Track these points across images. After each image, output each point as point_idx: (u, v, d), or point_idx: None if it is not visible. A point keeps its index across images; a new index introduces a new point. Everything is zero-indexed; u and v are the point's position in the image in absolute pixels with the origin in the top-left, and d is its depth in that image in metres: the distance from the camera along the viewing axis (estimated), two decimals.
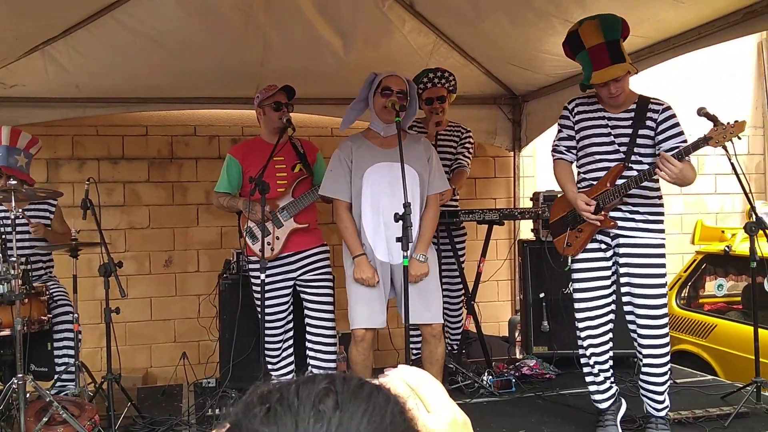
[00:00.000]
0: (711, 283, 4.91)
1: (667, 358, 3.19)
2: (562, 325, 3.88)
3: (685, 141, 3.12)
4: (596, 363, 3.28)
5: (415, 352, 4.15)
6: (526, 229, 5.42)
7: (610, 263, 3.28)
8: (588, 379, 3.35)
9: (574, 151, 3.32)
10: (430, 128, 4.39)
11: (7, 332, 3.51)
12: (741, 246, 4.00)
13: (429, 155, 3.55)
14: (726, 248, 4.08)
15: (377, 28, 4.39)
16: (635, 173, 3.12)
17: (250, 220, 3.77)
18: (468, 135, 4.56)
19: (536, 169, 5.90)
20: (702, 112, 3.33)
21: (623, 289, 3.25)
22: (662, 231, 3.24)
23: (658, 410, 3.21)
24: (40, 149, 4.11)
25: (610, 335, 3.30)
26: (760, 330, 3.57)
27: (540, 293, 4.46)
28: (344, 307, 3.62)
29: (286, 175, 3.84)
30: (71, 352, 3.92)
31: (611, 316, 3.29)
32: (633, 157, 3.16)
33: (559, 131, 3.38)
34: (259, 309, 3.77)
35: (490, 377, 4.01)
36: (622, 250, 3.22)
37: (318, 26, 4.27)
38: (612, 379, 3.33)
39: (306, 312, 3.89)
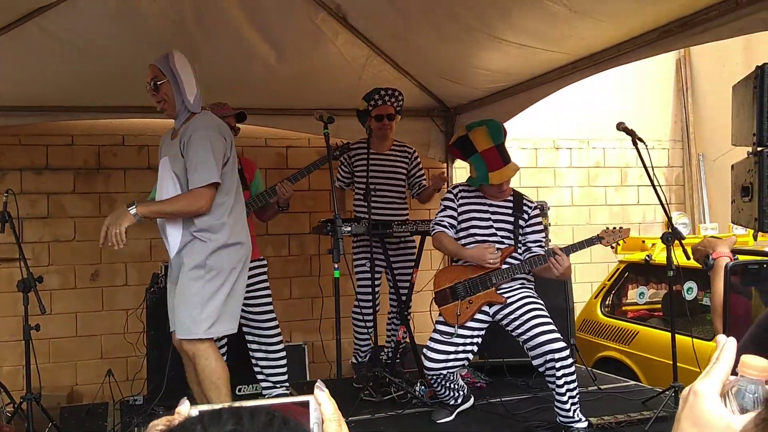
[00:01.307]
0: (633, 291, 5.09)
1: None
2: (493, 334, 3.94)
3: (545, 237, 3.81)
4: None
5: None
6: None
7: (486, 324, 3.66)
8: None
9: (455, 230, 3.66)
10: (375, 146, 4.47)
11: None
12: (660, 255, 4.17)
13: (183, 143, 3.18)
14: (647, 257, 4.25)
15: (310, 40, 4.39)
16: (519, 257, 3.60)
17: None
18: (416, 155, 4.74)
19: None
20: (621, 127, 3.50)
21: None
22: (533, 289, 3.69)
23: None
24: None
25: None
26: (677, 336, 3.73)
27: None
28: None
29: None
30: None
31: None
32: (519, 246, 3.61)
33: (442, 210, 3.71)
34: None
35: (423, 387, 4.05)
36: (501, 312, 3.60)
37: (249, 36, 4.24)
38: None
39: (248, 328, 3.85)
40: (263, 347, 3.89)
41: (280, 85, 4.80)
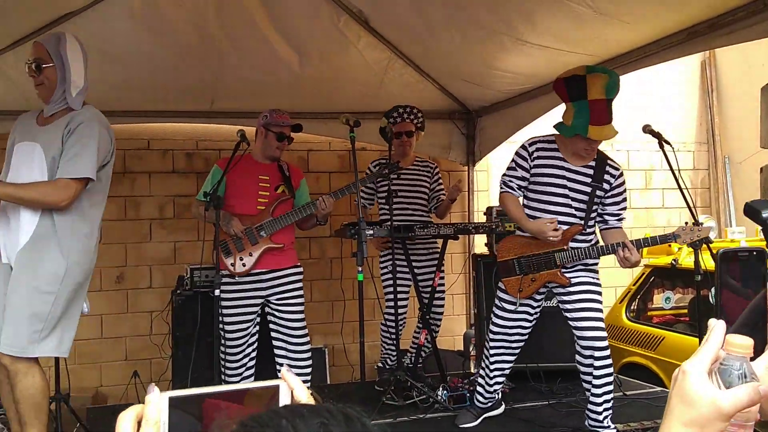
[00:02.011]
0: (659, 296, 5.03)
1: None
2: None
3: (625, 208, 3.46)
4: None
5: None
6: (480, 243, 5.48)
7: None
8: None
9: (523, 191, 3.44)
10: (397, 160, 4.48)
11: None
12: (687, 259, 4.12)
13: (66, 131, 2.88)
14: (673, 261, 4.20)
15: (332, 44, 4.41)
16: (591, 237, 3.38)
17: (226, 234, 3.73)
18: (438, 170, 4.71)
19: (490, 183, 5.99)
20: (647, 130, 3.46)
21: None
22: (597, 271, 3.49)
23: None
24: None
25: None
26: None
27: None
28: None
29: (268, 194, 3.88)
30: None
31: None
32: (590, 222, 3.37)
33: (513, 168, 3.43)
34: (223, 324, 3.72)
35: (445, 392, 4.03)
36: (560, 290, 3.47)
37: (273, 40, 4.27)
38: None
39: (278, 333, 3.86)
40: (290, 353, 3.87)
41: (303, 88, 4.82)
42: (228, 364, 3.83)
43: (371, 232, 4.02)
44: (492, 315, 3.63)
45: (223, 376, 3.81)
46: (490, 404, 3.76)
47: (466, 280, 5.77)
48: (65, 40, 2.93)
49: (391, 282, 4.27)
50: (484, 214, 5.00)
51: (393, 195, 4.10)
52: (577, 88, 3.22)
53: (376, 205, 4.66)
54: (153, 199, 5.30)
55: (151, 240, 5.31)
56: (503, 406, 3.86)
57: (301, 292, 3.89)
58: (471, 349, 4.97)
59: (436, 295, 4.48)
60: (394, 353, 4.57)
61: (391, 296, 4.28)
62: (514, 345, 3.58)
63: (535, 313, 3.56)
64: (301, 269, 3.95)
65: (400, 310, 4.22)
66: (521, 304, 3.48)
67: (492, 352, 3.61)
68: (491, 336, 3.60)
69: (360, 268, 3.36)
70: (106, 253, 5.15)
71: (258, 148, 3.95)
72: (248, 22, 4.05)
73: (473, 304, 5.17)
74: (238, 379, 3.87)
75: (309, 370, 3.93)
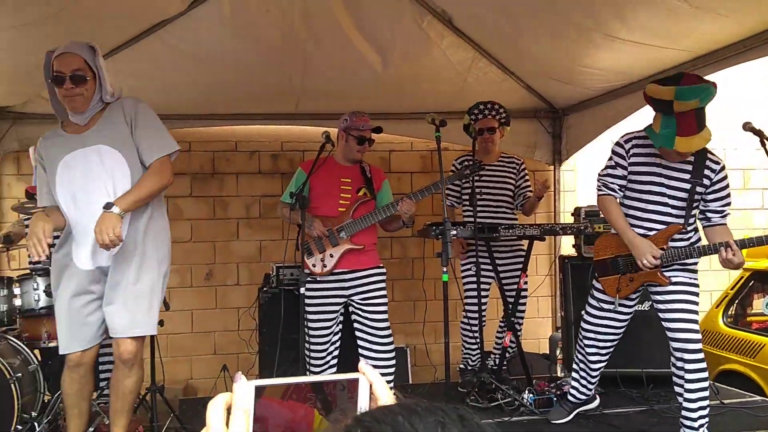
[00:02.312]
0: (759, 301, 4.78)
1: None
2: None
3: (729, 203, 3.27)
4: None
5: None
6: (567, 245, 5.35)
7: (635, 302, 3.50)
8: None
9: (623, 191, 3.33)
10: (481, 158, 4.44)
11: (55, 343, 3.59)
12: None
13: (130, 119, 2.94)
14: None
15: (415, 44, 4.41)
16: (690, 235, 3.26)
17: (308, 235, 3.80)
18: (524, 166, 4.64)
19: (577, 183, 5.84)
20: (747, 127, 3.28)
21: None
22: (696, 271, 3.35)
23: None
24: None
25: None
26: None
27: (582, 310, 4.40)
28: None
29: (350, 197, 3.88)
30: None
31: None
32: (690, 220, 3.24)
33: (612, 167, 3.33)
34: (307, 322, 3.79)
35: (531, 395, 3.96)
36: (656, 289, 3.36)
37: (356, 42, 4.31)
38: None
39: (362, 333, 3.89)
40: (374, 353, 3.89)
41: (385, 89, 4.85)
42: (313, 362, 3.89)
43: (455, 232, 3.99)
44: (586, 314, 3.57)
45: (308, 373, 3.87)
46: (584, 399, 3.73)
47: (552, 282, 5.65)
48: (98, 52, 2.95)
49: (474, 283, 4.23)
50: (572, 215, 4.88)
51: (477, 194, 4.06)
52: (664, 101, 3.07)
53: (462, 202, 4.63)
54: (240, 199, 5.46)
55: (239, 239, 5.47)
56: (598, 399, 3.82)
57: (384, 293, 3.89)
58: (557, 352, 4.86)
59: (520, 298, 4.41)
60: (474, 354, 4.53)
61: (474, 297, 4.24)
62: (609, 345, 3.54)
63: (630, 312, 3.48)
64: (383, 270, 3.94)
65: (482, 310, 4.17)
66: (617, 309, 3.43)
67: (588, 350, 3.58)
68: (586, 335, 3.56)
69: (445, 269, 3.33)
70: (196, 251, 5.36)
71: (339, 151, 3.96)
72: (332, 25, 4.10)
73: (560, 306, 5.07)
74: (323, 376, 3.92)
75: (392, 369, 3.94)
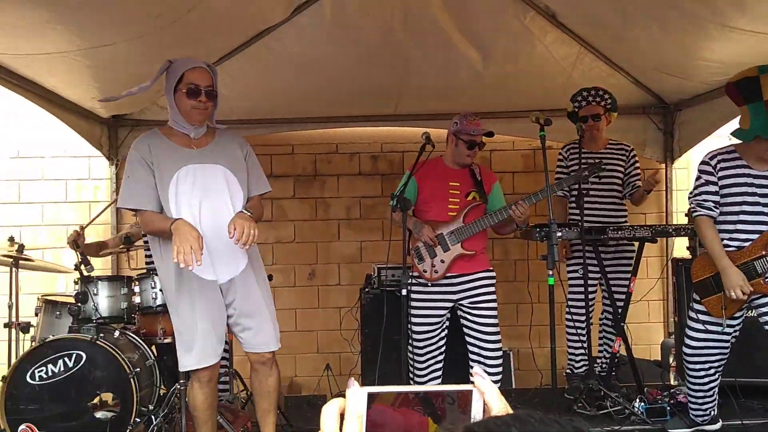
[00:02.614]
0: None
1: None
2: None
3: None
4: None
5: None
6: (680, 247, 5.09)
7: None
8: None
9: (718, 209, 3.25)
10: (588, 146, 4.36)
11: (170, 340, 3.78)
12: None
13: (245, 153, 3.14)
14: None
15: (517, 41, 4.32)
16: None
17: (418, 240, 3.79)
18: (634, 153, 4.48)
19: (690, 182, 5.52)
20: None
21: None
22: None
23: None
24: None
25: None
26: None
27: None
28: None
29: (459, 201, 3.80)
30: (224, 361, 4.15)
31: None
32: None
33: (703, 185, 3.29)
34: (411, 325, 3.79)
35: (642, 404, 3.79)
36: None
37: (457, 42, 4.27)
38: None
39: (471, 337, 3.83)
40: (483, 358, 3.83)
41: (486, 88, 4.78)
42: (416, 364, 3.88)
43: (560, 234, 3.87)
44: (688, 339, 3.42)
45: (411, 375, 3.87)
46: (704, 419, 3.57)
47: (663, 285, 5.39)
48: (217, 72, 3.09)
49: (580, 286, 4.09)
50: (686, 215, 4.63)
51: (584, 195, 3.93)
52: (750, 90, 3.04)
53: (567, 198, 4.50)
54: (341, 200, 5.54)
55: (340, 239, 5.55)
56: (720, 423, 3.61)
57: (493, 297, 3.79)
58: (670, 359, 4.63)
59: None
60: (579, 359, 4.39)
61: (581, 301, 4.10)
62: (720, 364, 3.40)
63: (737, 326, 3.33)
64: (493, 273, 3.85)
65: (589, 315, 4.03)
66: (726, 329, 3.28)
67: (697, 374, 3.43)
68: (693, 359, 3.41)
69: (551, 272, 3.24)
70: (299, 252, 5.48)
71: (449, 154, 3.86)
72: (433, 25, 4.08)
73: (672, 311, 4.83)
74: (425, 379, 3.91)
75: (499, 376, 3.87)
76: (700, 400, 3.51)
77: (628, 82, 4.82)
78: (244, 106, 4.92)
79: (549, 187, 3.50)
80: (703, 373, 3.41)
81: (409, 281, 3.63)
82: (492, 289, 3.80)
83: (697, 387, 3.47)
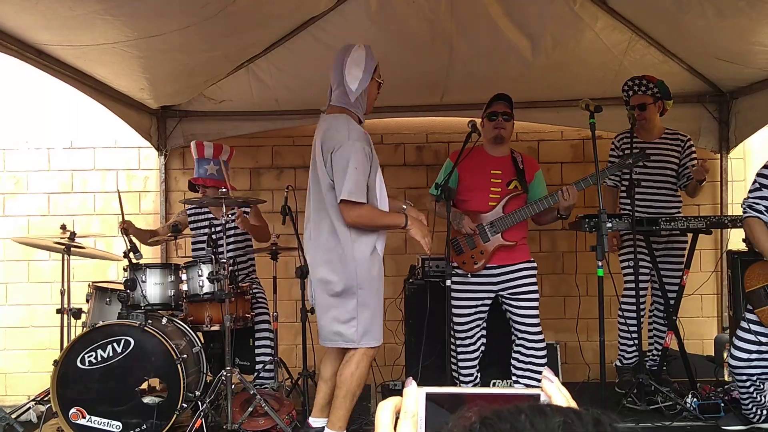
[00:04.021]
0: None
1: None
2: None
3: None
4: None
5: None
6: (735, 239, 4.91)
7: None
8: None
9: None
10: (642, 135, 4.28)
11: (216, 327, 3.82)
12: None
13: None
14: None
15: (567, 28, 4.22)
16: None
17: (458, 232, 3.75)
18: (690, 143, 4.35)
19: (747, 172, 5.34)
20: None
21: None
22: None
23: None
24: (231, 154, 4.41)
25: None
26: None
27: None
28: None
29: (500, 190, 3.77)
30: (269, 349, 4.18)
31: None
32: None
33: (758, 188, 3.24)
34: (453, 317, 3.75)
35: (695, 400, 3.68)
36: None
37: (505, 29, 4.20)
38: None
39: (514, 327, 3.81)
40: (525, 349, 3.79)
41: (534, 77, 4.68)
42: (459, 356, 3.85)
43: (610, 224, 3.78)
44: (737, 350, 3.33)
45: (454, 366, 3.84)
46: (759, 417, 3.46)
47: (718, 279, 5.22)
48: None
49: (632, 275, 3.98)
50: (742, 206, 4.48)
51: (635, 185, 3.81)
52: None
53: (618, 188, 4.40)
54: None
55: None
56: None
57: (535, 287, 3.76)
58: (724, 354, 4.48)
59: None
60: (630, 352, 4.29)
61: (632, 292, 3.99)
62: (765, 376, 3.31)
63: None
64: (534, 264, 3.81)
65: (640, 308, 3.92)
66: None
67: (746, 385, 3.35)
68: (742, 371, 3.33)
69: (600, 263, 3.16)
70: None
71: (485, 139, 3.86)
72: (480, 12, 4.03)
73: (727, 305, 4.67)
74: (468, 370, 3.87)
75: (543, 362, 3.81)
76: (749, 404, 3.42)
77: (681, 69, 4.67)
78: (289, 97, 4.94)
79: (599, 173, 3.41)
80: (749, 383, 3.33)
81: (450, 272, 3.58)
82: (533, 280, 3.76)
83: (746, 394, 3.40)
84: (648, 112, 4.21)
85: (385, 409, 0.69)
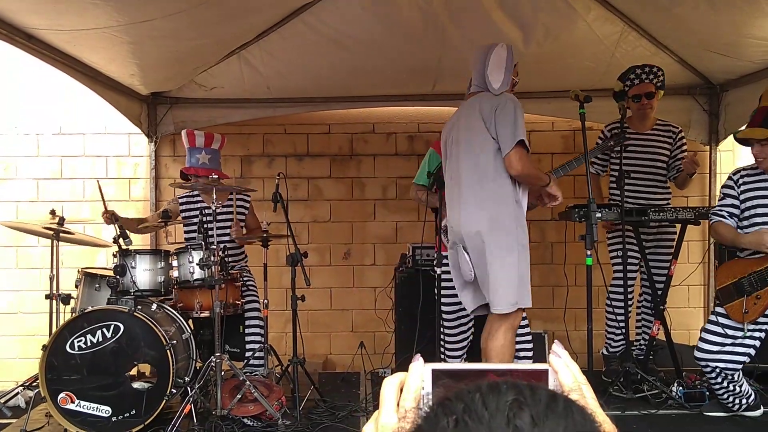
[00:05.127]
0: None
1: None
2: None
3: None
4: None
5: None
6: None
7: None
8: None
9: (736, 219, 3.34)
10: (635, 125, 4.28)
11: (206, 314, 3.83)
12: None
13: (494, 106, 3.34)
14: None
15: (559, 19, 4.23)
16: None
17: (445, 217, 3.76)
18: (682, 135, 4.40)
19: (736, 164, 5.37)
20: None
21: None
22: None
23: None
24: (223, 143, 4.39)
25: None
26: None
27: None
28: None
29: None
30: (260, 336, 4.19)
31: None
32: None
33: (722, 198, 3.42)
34: (438, 303, 3.78)
35: (680, 388, 3.72)
36: None
37: (497, 19, 4.20)
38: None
39: None
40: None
41: (526, 67, 4.62)
42: (447, 344, 3.87)
43: (599, 214, 3.80)
44: (701, 340, 3.44)
45: (442, 353, 3.86)
46: (740, 407, 3.52)
47: (705, 270, 5.26)
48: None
49: (621, 267, 4.01)
50: None
51: (625, 176, 3.84)
52: None
53: (608, 172, 4.42)
54: (377, 180, 5.52)
55: (375, 219, 5.53)
56: (761, 409, 3.56)
57: None
58: None
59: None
60: (616, 340, 4.33)
61: (621, 282, 4.03)
62: (731, 370, 3.38)
63: (762, 333, 3.32)
64: None
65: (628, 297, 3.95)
66: (747, 333, 3.26)
67: (710, 375, 3.43)
68: (701, 362, 3.41)
69: (589, 252, 3.19)
70: (335, 231, 5.49)
71: None
72: (473, 3, 4.02)
73: (714, 297, 4.70)
74: (456, 359, 3.90)
75: (531, 353, 3.84)
76: (727, 396, 3.48)
77: (673, 61, 4.69)
78: (282, 84, 4.93)
79: (588, 164, 3.43)
80: (716, 375, 3.40)
81: (441, 260, 3.60)
82: None
83: (721, 389, 3.46)
84: (653, 101, 4.25)
85: (389, 385, 0.68)
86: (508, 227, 3.18)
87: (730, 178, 3.46)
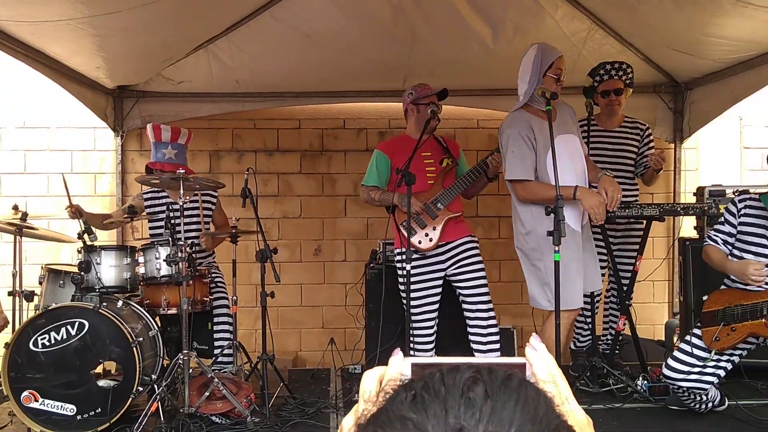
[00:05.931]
0: None
1: None
2: None
3: None
4: None
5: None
6: (687, 227, 5.05)
7: None
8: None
9: (729, 248, 3.36)
10: (603, 122, 4.33)
11: (174, 311, 3.78)
12: None
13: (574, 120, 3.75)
14: None
15: (528, 16, 4.27)
16: None
17: (406, 213, 3.77)
18: (649, 132, 4.46)
19: (699, 162, 5.48)
20: None
21: None
22: None
23: None
24: (189, 138, 4.31)
25: None
26: None
27: (703, 296, 4.13)
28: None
29: (435, 168, 3.93)
30: (228, 333, 4.16)
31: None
32: None
33: (722, 223, 3.41)
34: (404, 299, 3.79)
35: (645, 382, 3.78)
36: None
37: (466, 16, 4.22)
38: None
39: (465, 304, 3.88)
40: (477, 327, 3.86)
41: (495, 64, 4.71)
42: (416, 339, 3.88)
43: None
44: (671, 359, 3.43)
45: (411, 349, 3.87)
46: (707, 408, 3.56)
47: (669, 266, 5.36)
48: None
49: None
50: (694, 194, 4.60)
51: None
52: None
53: None
54: (348, 176, 5.51)
55: (346, 215, 5.53)
56: (726, 404, 3.61)
57: (479, 259, 3.89)
58: (675, 339, 4.61)
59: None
60: (583, 335, 4.39)
61: None
62: (690, 390, 3.41)
63: (724, 364, 3.36)
64: (476, 238, 3.99)
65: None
66: (712, 359, 3.29)
67: (677, 390, 3.45)
68: (669, 378, 3.41)
69: (557, 248, 3.22)
70: (305, 227, 5.47)
71: (412, 125, 3.99)
72: None
73: (678, 291, 4.80)
74: (424, 353, 3.91)
75: (497, 345, 3.87)
76: (694, 405, 3.51)
77: (638, 59, 4.76)
78: (251, 78, 4.89)
79: (555, 161, 3.46)
80: (681, 392, 3.43)
81: (410, 257, 3.61)
82: (477, 251, 3.90)
83: (689, 400, 3.49)
84: (622, 98, 4.29)
85: (369, 378, 0.69)
86: None
87: (734, 203, 3.41)
